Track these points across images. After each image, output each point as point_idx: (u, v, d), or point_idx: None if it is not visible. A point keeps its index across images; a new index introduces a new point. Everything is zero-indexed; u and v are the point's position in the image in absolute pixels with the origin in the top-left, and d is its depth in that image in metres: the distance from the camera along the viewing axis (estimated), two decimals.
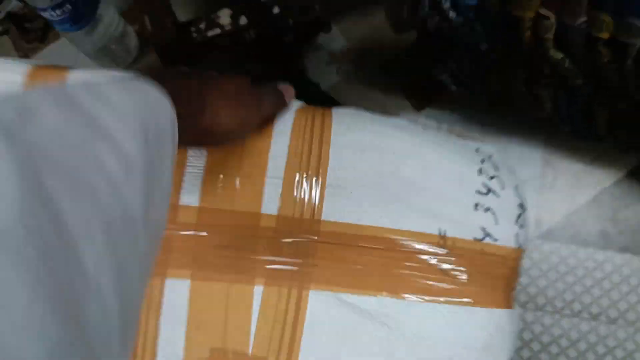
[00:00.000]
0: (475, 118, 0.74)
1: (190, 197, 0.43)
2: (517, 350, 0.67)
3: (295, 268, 0.43)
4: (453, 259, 0.43)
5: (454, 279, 0.43)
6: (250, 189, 0.43)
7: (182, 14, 0.79)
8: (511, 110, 0.71)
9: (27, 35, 0.89)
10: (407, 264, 0.43)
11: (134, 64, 0.83)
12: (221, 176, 0.44)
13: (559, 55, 0.56)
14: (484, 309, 0.43)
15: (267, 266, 0.43)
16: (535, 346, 0.68)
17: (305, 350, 0.41)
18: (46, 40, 0.88)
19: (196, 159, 0.44)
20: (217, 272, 0.42)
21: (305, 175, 0.43)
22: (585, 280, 0.69)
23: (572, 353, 0.67)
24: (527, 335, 0.69)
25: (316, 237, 0.43)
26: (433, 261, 0.43)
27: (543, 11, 0.52)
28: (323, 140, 0.44)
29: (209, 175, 0.44)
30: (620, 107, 0.63)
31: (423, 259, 0.43)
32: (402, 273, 0.43)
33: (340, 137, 0.44)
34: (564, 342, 0.68)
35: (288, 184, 0.43)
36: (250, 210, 0.43)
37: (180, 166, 0.44)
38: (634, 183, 0.73)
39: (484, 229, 0.44)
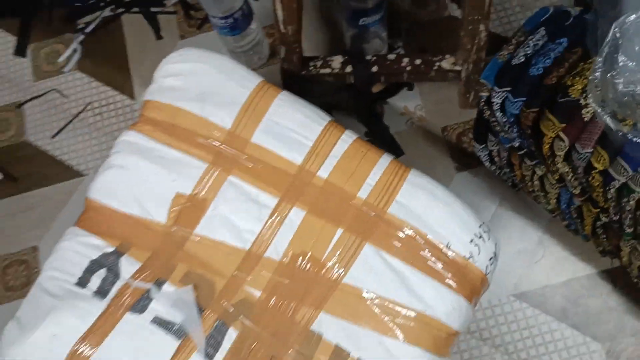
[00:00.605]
0: (495, 189, 0.96)
1: None
2: None
3: (363, 227, 0.68)
4: (447, 261, 0.67)
5: (443, 275, 0.67)
6: None
7: (307, 50, 1.04)
8: (528, 196, 0.92)
9: (190, 21, 1.16)
10: (425, 253, 0.69)
11: (260, 68, 1.08)
12: None
13: (565, 169, 0.77)
14: (457, 295, 0.67)
15: (348, 219, 0.68)
16: None
17: (353, 271, 0.68)
18: (202, 29, 1.15)
19: None
20: (321, 212, 0.72)
21: None
22: (536, 338, 0.90)
23: None
24: (465, 356, 0.90)
25: (382, 221, 0.68)
26: (436, 261, 0.68)
27: (562, 135, 0.74)
28: None
29: None
30: (602, 219, 0.83)
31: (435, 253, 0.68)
32: (420, 254, 0.69)
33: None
34: None
35: None
36: None
37: None
38: (600, 281, 0.93)
39: (471, 253, 0.68)
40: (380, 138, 1.00)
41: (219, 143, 0.75)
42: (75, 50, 1.19)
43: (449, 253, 0.70)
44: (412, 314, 0.67)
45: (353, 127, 0.78)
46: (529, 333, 0.90)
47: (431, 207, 0.72)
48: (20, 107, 1.17)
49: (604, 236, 0.86)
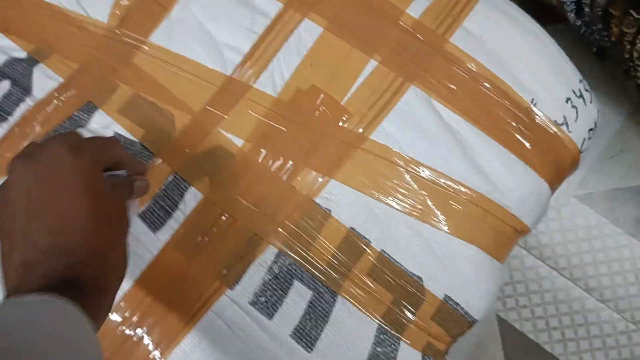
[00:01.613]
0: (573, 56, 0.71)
1: None
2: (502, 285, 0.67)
3: (409, 61, 0.46)
4: (529, 126, 0.44)
5: (522, 144, 0.44)
6: None
7: None
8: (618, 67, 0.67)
9: None
10: (498, 110, 0.44)
11: None
12: None
13: None
14: (536, 177, 0.44)
15: (388, 47, 0.46)
16: (520, 288, 0.68)
17: (386, 124, 0.45)
18: None
19: None
20: (347, 32, 0.46)
21: None
22: (597, 254, 0.68)
23: (552, 310, 0.67)
24: (517, 276, 0.69)
25: (439, 54, 0.46)
26: (514, 123, 0.44)
27: None
28: None
29: None
30: None
31: (512, 112, 0.44)
32: (492, 110, 0.44)
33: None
34: (548, 297, 0.68)
35: None
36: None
37: None
38: None
39: (565, 118, 0.44)
40: None
41: None
42: None
43: (535, 113, 0.46)
44: (470, 195, 0.44)
45: None
46: (589, 246, 0.69)
47: (515, 43, 0.47)
48: None
49: None
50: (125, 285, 0.41)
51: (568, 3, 0.67)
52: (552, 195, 0.49)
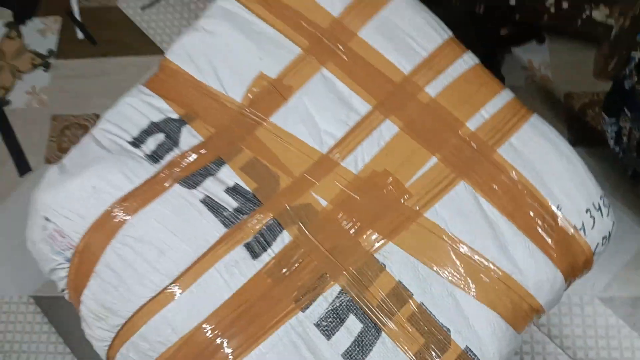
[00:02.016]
0: (610, 176, 0.82)
1: None
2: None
3: (462, 162, 0.60)
4: (552, 226, 0.56)
5: (545, 239, 0.56)
6: None
7: None
8: None
9: None
10: (529, 209, 0.58)
11: None
12: None
13: None
14: (553, 267, 0.55)
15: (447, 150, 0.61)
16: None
17: (438, 206, 0.58)
18: None
19: None
20: (417, 133, 0.62)
21: None
22: (613, 352, 0.77)
23: None
24: (525, 348, 0.78)
25: (487, 160, 0.60)
26: (540, 222, 0.56)
27: None
28: None
29: None
30: None
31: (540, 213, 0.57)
32: (524, 209, 0.58)
33: None
34: None
35: None
36: None
37: None
38: None
39: (583, 224, 0.56)
40: None
41: (322, 30, 0.65)
42: None
43: (558, 217, 0.58)
44: (497, 273, 0.56)
45: None
46: (606, 344, 0.77)
47: (549, 159, 0.60)
48: None
49: None
50: (218, 301, 0.55)
51: (609, 131, 0.80)
52: (567, 288, 0.60)
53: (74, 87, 1.04)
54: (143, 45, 1.04)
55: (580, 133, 0.87)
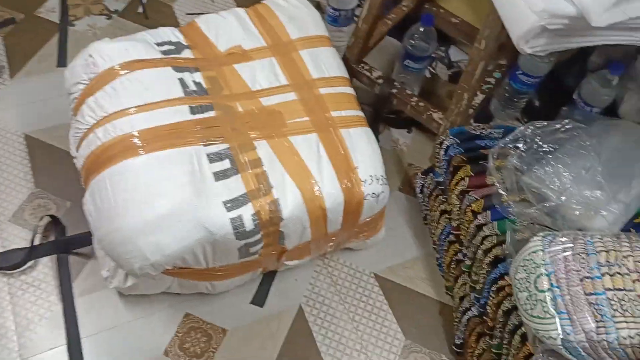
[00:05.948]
0: (412, 215, 1.29)
1: None
2: None
3: (321, 128, 1.06)
4: (350, 175, 1.03)
5: (344, 179, 1.03)
6: None
7: (372, 62, 1.46)
8: (427, 226, 1.26)
9: None
10: (344, 162, 1.04)
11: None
12: None
13: (456, 202, 1.12)
14: (340, 190, 1.02)
15: None
16: None
17: (299, 138, 1.07)
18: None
19: None
20: None
21: None
22: (368, 306, 1.18)
23: None
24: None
25: None
26: (345, 169, 1.03)
27: (467, 179, 1.10)
28: None
29: None
30: (458, 255, 1.15)
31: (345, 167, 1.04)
32: (341, 161, 1.04)
33: None
34: None
35: None
36: None
37: None
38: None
39: (365, 180, 1.04)
40: None
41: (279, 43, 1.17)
42: None
43: (357, 171, 1.04)
44: (311, 177, 1.01)
45: None
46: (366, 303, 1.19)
47: (364, 146, 1.08)
48: None
49: (453, 268, 1.17)
50: (157, 123, 1.00)
51: (418, 184, 1.29)
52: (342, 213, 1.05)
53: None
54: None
55: (407, 187, 1.36)
